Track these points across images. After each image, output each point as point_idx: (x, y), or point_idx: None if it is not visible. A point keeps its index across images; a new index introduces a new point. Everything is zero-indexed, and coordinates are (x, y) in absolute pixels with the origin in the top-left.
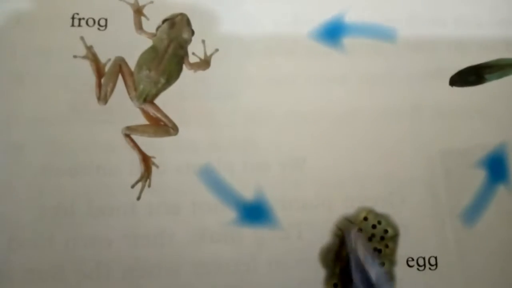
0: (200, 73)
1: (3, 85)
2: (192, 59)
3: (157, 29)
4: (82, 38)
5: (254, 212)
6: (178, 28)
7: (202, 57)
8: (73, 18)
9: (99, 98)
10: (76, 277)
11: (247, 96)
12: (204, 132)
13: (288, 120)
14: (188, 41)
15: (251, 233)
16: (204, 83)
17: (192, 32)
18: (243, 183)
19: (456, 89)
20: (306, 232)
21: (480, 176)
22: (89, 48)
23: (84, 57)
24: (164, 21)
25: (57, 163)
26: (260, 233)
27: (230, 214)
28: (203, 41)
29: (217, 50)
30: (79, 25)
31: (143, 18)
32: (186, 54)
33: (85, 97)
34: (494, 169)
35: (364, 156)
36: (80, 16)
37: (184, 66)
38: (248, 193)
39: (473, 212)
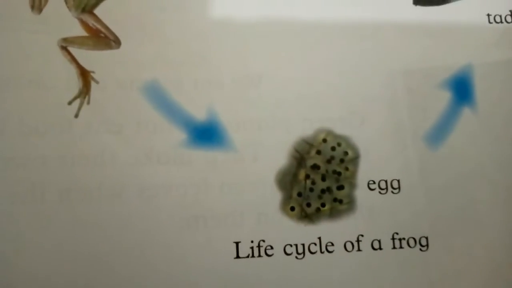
0: None
1: None
2: None
3: None
4: None
5: (206, 133)
6: None
7: None
8: None
9: (32, 7)
10: (8, 201)
11: (198, 7)
12: (149, 46)
13: (243, 34)
14: None
15: (202, 155)
16: None
17: None
18: (193, 102)
19: (420, 7)
20: (262, 154)
21: (444, 97)
22: None
23: None
24: None
25: None
26: (212, 155)
27: (179, 135)
28: None
29: None
30: None
31: None
32: None
33: (16, 5)
34: (459, 90)
35: (323, 74)
36: None
37: None
38: (199, 113)
39: (437, 134)
